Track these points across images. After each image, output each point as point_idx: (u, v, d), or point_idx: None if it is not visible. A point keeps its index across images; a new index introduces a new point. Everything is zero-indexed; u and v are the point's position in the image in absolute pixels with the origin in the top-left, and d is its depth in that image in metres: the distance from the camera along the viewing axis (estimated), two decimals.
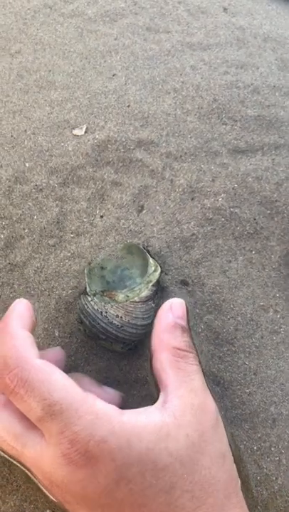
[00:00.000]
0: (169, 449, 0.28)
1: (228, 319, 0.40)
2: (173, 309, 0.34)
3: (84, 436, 0.27)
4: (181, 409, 0.29)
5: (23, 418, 0.29)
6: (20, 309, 0.31)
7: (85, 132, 0.45)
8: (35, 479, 0.29)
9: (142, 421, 0.28)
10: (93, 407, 0.28)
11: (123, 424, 0.28)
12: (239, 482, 0.30)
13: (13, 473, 0.33)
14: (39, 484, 0.29)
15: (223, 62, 0.50)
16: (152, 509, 0.27)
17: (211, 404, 0.31)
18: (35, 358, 0.29)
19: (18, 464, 0.30)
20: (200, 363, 0.34)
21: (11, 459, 0.30)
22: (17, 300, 0.32)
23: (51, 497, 0.29)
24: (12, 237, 0.41)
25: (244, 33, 0.52)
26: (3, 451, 0.30)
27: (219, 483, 0.28)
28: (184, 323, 0.34)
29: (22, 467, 0.30)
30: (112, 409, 0.28)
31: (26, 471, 0.30)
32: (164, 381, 0.31)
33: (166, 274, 0.41)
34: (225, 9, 0.53)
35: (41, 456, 0.28)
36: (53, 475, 0.27)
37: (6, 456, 0.30)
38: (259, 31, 0.52)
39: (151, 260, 0.38)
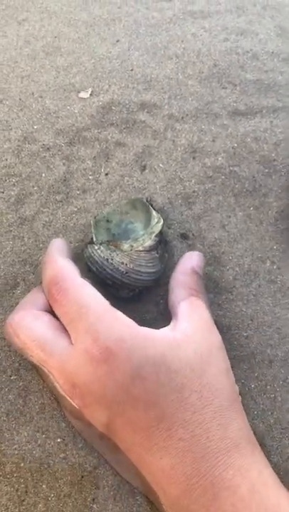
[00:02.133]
0: (180, 357, 0.31)
1: (227, 270, 0.42)
2: (193, 258, 0.38)
3: (105, 334, 0.30)
4: (190, 330, 0.33)
5: (54, 328, 0.33)
6: (58, 244, 0.37)
7: (90, 95, 0.47)
8: (57, 385, 0.32)
9: (157, 333, 0.32)
10: (115, 314, 0.32)
11: (140, 332, 0.31)
12: (240, 399, 0.33)
13: (27, 405, 0.36)
14: (60, 391, 0.32)
15: (223, 29, 0.51)
16: (164, 407, 0.30)
17: (216, 332, 0.34)
18: (77, 276, 0.34)
19: (42, 369, 0.33)
20: (209, 307, 0.37)
21: (38, 367, 0.33)
22: (53, 239, 0.38)
23: (71, 402, 0.31)
24: (22, 193, 0.43)
25: (244, 1, 0.53)
26: (30, 359, 0.33)
27: (225, 389, 0.31)
28: (200, 272, 0.38)
29: (46, 379, 0.33)
30: (131, 321, 0.32)
31: (50, 380, 0.32)
32: (177, 311, 0.35)
33: (168, 228, 0.43)
34: None
35: (67, 358, 0.31)
36: (76, 375, 0.30)
37: (34, 363, 0.33)
38: None
39: (154, 213, 0.40)
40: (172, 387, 0.30)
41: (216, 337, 0.34)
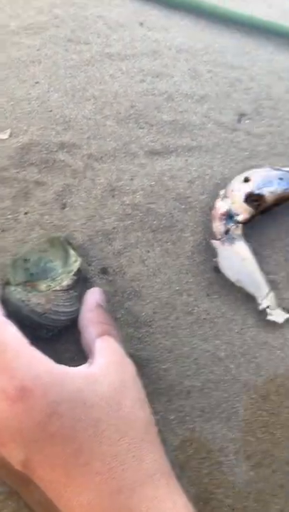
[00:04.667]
0: (97, 392, 0.32)
1: (147, 304, 0.43)
2: (95, 294, 0.40)
3: (21, 372, 0.31)
4: (105, 365, 0.34)
5: None
6: None
7: (9, 136, 0.47)
8: None
9: (73, 369, 0.33)
10: (33, 352, 0.32)
11: (56, 369, 0.32)
12: (156, 429, 0.34)
13: None
14: None
15: (139, 71, 0.54)
16: (81, 441, 0.30)
17: (130, 363, 0.36)
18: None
19: None
20: (120, 338, 0.38)
21: None
22: None
23: None
24: None
25: (159, 45, 0.56)
26: None
27: (140, 420, 0.32)
28: (104, 305, 0.40)
29: None
30: (49, 359, 0.33)
31: None
32: (92, 348, 0.36)
33: (89, 265, 0.44)
34: (141, 24, 0.57)
35: None
36: None
37: None
38: (173, 43, 0.57)
39: (71, 251, 0.41)
40: (88, 421, 0.31)
41: (130, 368, 0.35)
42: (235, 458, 0.39)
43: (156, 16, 0.59)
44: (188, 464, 0.38)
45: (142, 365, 0.40)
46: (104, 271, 0.44)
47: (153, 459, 0.32)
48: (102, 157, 0.48)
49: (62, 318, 0.39)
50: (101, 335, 0.36)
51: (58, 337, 0.40)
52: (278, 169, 0.47)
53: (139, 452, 0.31)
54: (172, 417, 0.39)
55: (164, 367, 0.41)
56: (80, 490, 0.30)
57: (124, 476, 0.30)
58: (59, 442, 0.30)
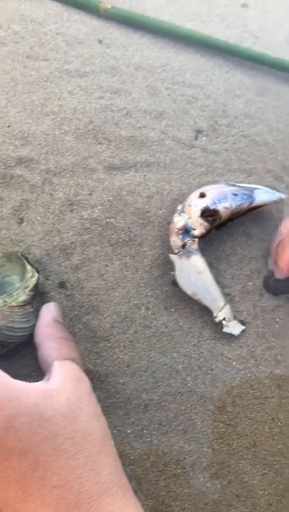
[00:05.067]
0: (53, 406, 0.32)
1: (105, 318, 0.43)
2: (51, 310, 0.41)
3: None
4: (61, 381, 0.34)
5: None
6: None
7: None
8: None
9: (30, 385, 0.33)
10: None
11: (13, 384, 0.32)
12: (112, 443, 0.34)
13: None
14: None
15: (98, 88, 0.55)
16: (38, 455, 0.30)
17: (86, 378, 0.36)
18: None
19: None
20: (78, 352, 0.38)
21: None
22: None
23: None
24: None
25: (118, 62, 0.57)
26: None
27: (96, 433, 0.33)
28: (61, 320, 0.40)
29: None
30: (5, 374, 0.32)
31: None
32: (50, 364, 0.36)
33: (47, 279, 0.44)
34: (100, 41, 0.58)
35: None
36: None
37: None
38: (131, 61, 0.58)
39: (28, 267, 0.41)
40: (46, 435, 0.31)
41: (85, 384, 0.35)
42: (192, 470, 0.39)
43: (115, 33, 0.60)
44: (146, 477, 0.38)
45: (100, 380, 0.41)
46: (62, 285, 0.44)
47: (110, 472, 0.32)
48: (60, 172, 0.48)
49: (18, 334, 0.38)
50: (60, 351, 0.37)
51: (14, 353, 0.40)
52: (233, 185, 0.49)
53: (96, 465, 0.32)
54: (129, 431, 0.39)
55: (121, 381, 0.41)
56: (37, 505, 0.30)
57: (81, 490, 0.30)
58: (16, 457, 0.30)
